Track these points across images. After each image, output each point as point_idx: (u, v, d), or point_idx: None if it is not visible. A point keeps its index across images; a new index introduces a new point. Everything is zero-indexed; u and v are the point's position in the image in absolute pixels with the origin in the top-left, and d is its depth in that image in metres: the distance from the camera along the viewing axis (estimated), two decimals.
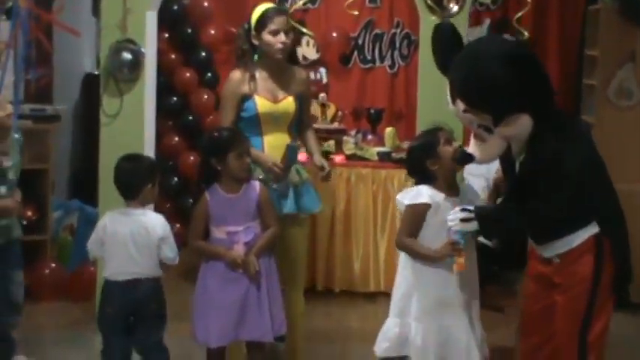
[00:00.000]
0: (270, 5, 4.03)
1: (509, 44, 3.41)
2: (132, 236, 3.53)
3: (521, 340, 3.44)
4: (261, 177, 3.81)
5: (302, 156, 4.38)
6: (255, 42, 3.86)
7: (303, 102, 4.01)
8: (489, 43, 3.31)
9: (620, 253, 3.07)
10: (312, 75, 6.09)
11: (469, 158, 3.25)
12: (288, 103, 3.90)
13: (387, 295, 4.63)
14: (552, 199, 2.96)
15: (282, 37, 3.82)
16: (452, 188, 3.35)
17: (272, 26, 3.81)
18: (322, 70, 6.55)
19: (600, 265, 3.03)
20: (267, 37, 3.84)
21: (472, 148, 3.34)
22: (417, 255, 3.31)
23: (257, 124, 3.87)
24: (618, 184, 3.16)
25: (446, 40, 3.29)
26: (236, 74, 3.90)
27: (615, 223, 3.10)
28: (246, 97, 3.85)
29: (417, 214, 3.38)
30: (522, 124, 3.00)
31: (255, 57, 3.91)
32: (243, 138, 3.67)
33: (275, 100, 3.88)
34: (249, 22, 3.94)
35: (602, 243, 3.02)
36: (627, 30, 5.65)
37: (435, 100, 5.00)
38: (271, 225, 3.65)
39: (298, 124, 4.02)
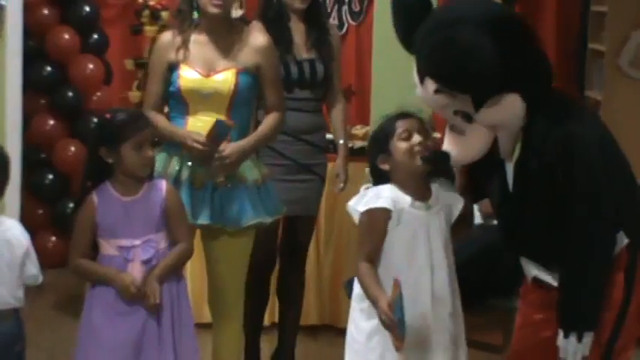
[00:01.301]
0: None
1: (494, 7, 3.13)
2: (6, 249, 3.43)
3: None
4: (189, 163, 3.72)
5: None
6: None
7: (260, 76, 3.71)
8: (467, 5, 3.04)
9: None
10: None
11: (441, 158, 2.95)
12: (225, 78, 3.58)
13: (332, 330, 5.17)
14: (578, 210, 2.75)
15: None
16: (420, 191, 2.99)
17: None
18: None
19: (631, 285, 2.82)
20: None
21: (447, 144, 3.01)
22: (366, 294, 2.94)
23: (182, 102, 3.62)
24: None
25: (411, 4, 2.99)
26: (165, 37, 3.72)
27: None
28: (172, 67, 3.62)
29: (374, 224, 3.02)
30: (511, 106, 2.79)
31: (195, 15, 3.73)
32: (144, 122, 3.40)
33: (207, 74, 3.60)
34: None
35: (635, 258, 2.84)
36: None
37: (395, 70, 4.91)
38: (181, 239, 3.39)
39: (269, 106, 3.78)
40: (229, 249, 3.74)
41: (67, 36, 6.06)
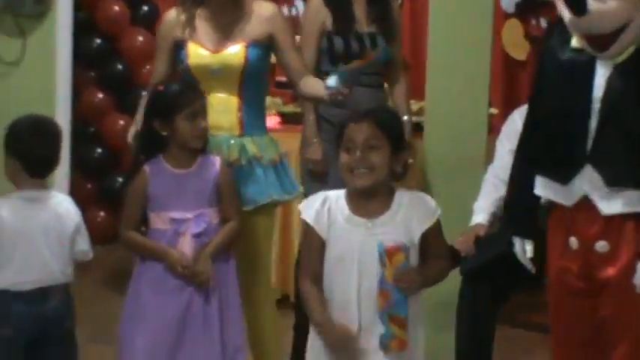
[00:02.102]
0: None
1: None
2: (44, 229, 3.34)
3: None
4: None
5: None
6: None
7: (275, 46, 3.70)
8: None
9: None
10: (285, 10, 5.91)
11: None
12: (235, 53, 3.59)
13: None
14: None
15: None
16: (363, 205, 2.67)
17: None
18: (299, 2, 6.15)
19: None
20: None
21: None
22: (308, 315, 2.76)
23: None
24: None
25: None
26: (170, 14, 3.70)
27: None
28: (179, 45, 3.62)
29: (306, 236, 2.82)
30: None
31: None
32: (197, 92, 3.46)
33: (215, 49, 3.60)
34: None
35: None
36: None
37: (452, 43, 4.86)
38: (232, 217, 3.46)
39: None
40: (249, 228, 3.71)
41: (116, 8, 6.06)
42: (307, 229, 2.69)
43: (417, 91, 5.22)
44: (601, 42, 2.85)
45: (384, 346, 2.54)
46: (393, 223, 2.60)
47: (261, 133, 3.72)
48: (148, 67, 6.05)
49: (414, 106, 4.98)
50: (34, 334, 3.38)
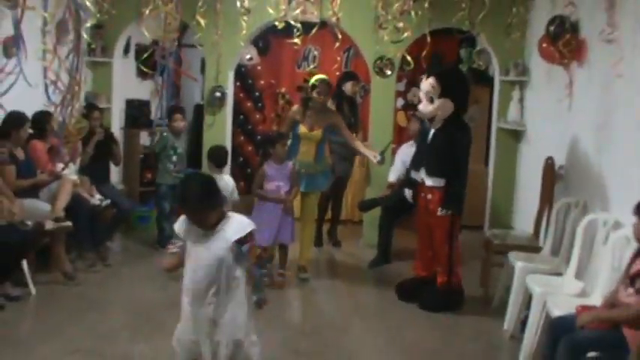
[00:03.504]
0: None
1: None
2: (223, 188, 4.87)
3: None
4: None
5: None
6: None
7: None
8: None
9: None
10: None
11: None
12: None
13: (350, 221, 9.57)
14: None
15: None
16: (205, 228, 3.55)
17: None
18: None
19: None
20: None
21: (423, 105, 5.76)
22: None
23: None
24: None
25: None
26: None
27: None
28: None
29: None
30: (449, 105, 5.52)
31: None
32: (280, 135, 6.35)
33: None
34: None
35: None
36: None
37: (380, 114, 8.31)
38: (295, 186, 6.34)
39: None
40: (310, 201, 6.80)
41: (248, 104, 9.69)
42: None
43: (365, 137, 8.56)
44: (430, 120, 5.68)
45: None
46: (216, 238, 3.50)
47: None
48: (259, 127, 9.69)
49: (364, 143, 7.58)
50: None
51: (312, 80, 6.64)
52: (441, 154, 5.81)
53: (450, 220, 5.90)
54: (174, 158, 7.57)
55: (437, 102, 5.62)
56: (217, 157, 6.43)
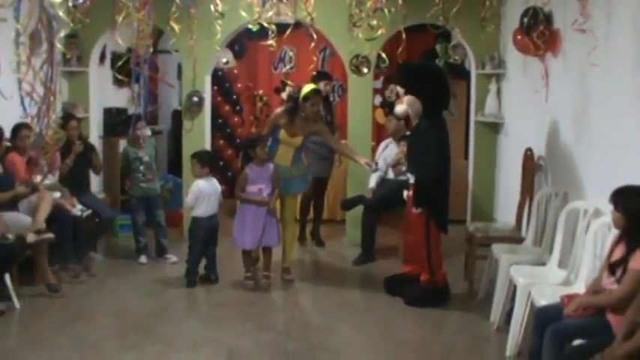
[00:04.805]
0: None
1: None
2: (214, 192, 6.32)
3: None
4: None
5: None
6: None
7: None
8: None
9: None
10: None
11: None
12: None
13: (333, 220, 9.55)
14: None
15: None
16: None
17: None
18: None
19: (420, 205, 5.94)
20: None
21: (398, 106, 6.51)
22: None
23: None
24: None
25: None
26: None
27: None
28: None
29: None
30: (418, 103, 5.75)
31: None
32: (260, 138, 6.50)
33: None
34: None
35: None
36: None
37: (358, 113, 8.51)
38: (276, 188, 6.49)
39: None
40: (288, 202, 6.89)
41: (226, 107, 9.88)
42: None
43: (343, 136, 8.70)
44: (405, 120, 6.73)
45: None
46: None
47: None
48: (239, 129, 9.77)
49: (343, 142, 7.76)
50: (206, 234, 6.11)
51: (305, 92, 6.66)
52: (411, 153, 6.02)
53: (425, 222, 5.97)
54: (142, 168, 7.47)
55: (405, 100, 5.80)
56: (205, 155, 6.67)
